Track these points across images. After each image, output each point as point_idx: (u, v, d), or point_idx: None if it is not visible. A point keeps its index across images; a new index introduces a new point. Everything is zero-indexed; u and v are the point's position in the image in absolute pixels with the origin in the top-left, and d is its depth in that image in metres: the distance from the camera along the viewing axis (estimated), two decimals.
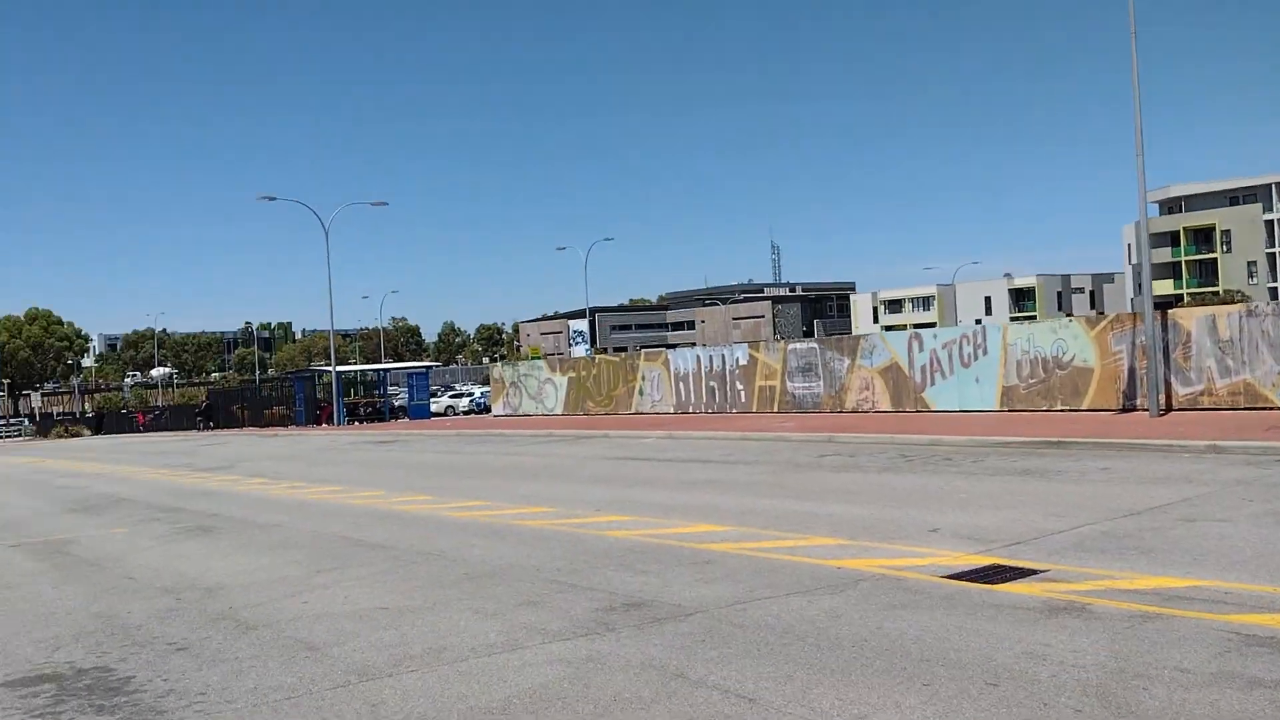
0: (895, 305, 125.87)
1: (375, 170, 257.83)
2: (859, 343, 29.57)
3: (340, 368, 49.84)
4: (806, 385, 30.09)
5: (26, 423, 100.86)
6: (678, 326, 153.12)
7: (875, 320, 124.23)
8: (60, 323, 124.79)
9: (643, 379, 35.54)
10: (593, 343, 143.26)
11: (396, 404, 54.78)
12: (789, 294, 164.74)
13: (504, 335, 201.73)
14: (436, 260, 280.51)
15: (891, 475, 15.94)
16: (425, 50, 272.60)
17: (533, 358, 51.83)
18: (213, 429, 60.65)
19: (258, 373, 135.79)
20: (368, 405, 51.45)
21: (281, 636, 8.06)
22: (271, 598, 9.67)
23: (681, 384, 33.81)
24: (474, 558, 10.97)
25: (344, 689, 6.53)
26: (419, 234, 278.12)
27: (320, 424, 49.79)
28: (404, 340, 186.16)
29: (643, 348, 73.68)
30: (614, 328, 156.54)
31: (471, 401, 63.49)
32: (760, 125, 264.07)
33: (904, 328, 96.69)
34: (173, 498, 20.04)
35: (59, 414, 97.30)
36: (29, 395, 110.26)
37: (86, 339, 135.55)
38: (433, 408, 54.42)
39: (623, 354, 40.57)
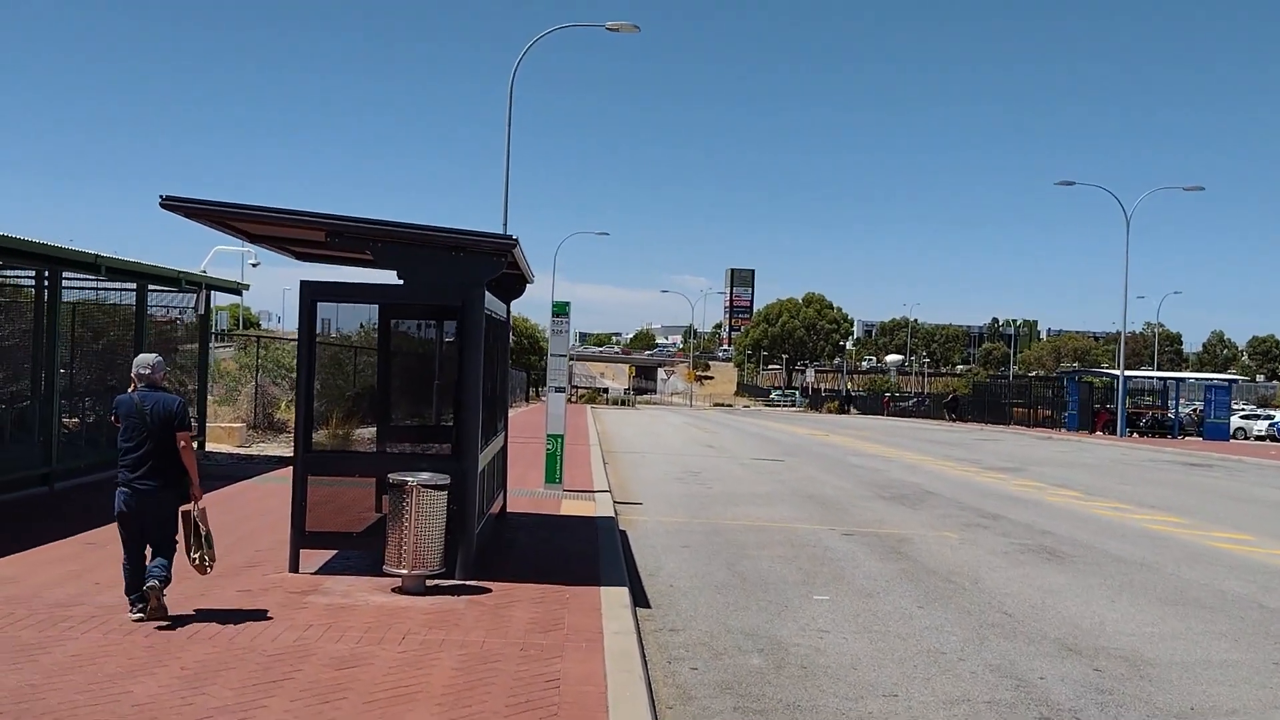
0: None
1: (1183, 156, 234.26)
2: None
3: (1129, 373, 44.73)
4: None
5: (798, 395, 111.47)
6: None
7: None
8: (830, 307, 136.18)
9: None
10: None
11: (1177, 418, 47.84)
12: None
13: None
14: (1243, 259, 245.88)
15: None
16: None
17: None
18: (955, 420, 60.50)
19: (1012, 368, 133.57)
20: (1150, 417, 45.62)
21: None
22: (1235, 697, 6.59)
23: None
24: None
25: None
26: (1224, 228, 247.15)
27: (1096, 431, 45.39)
28: (1162, 347, 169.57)
29: None
30: None
31: (1272, 425, 53.41)
32: None
33: None
34: (980, 498, 18.07)
35: (825, 390, 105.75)
36: (803, 371, 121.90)
37: (851, 323, 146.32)
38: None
39: None
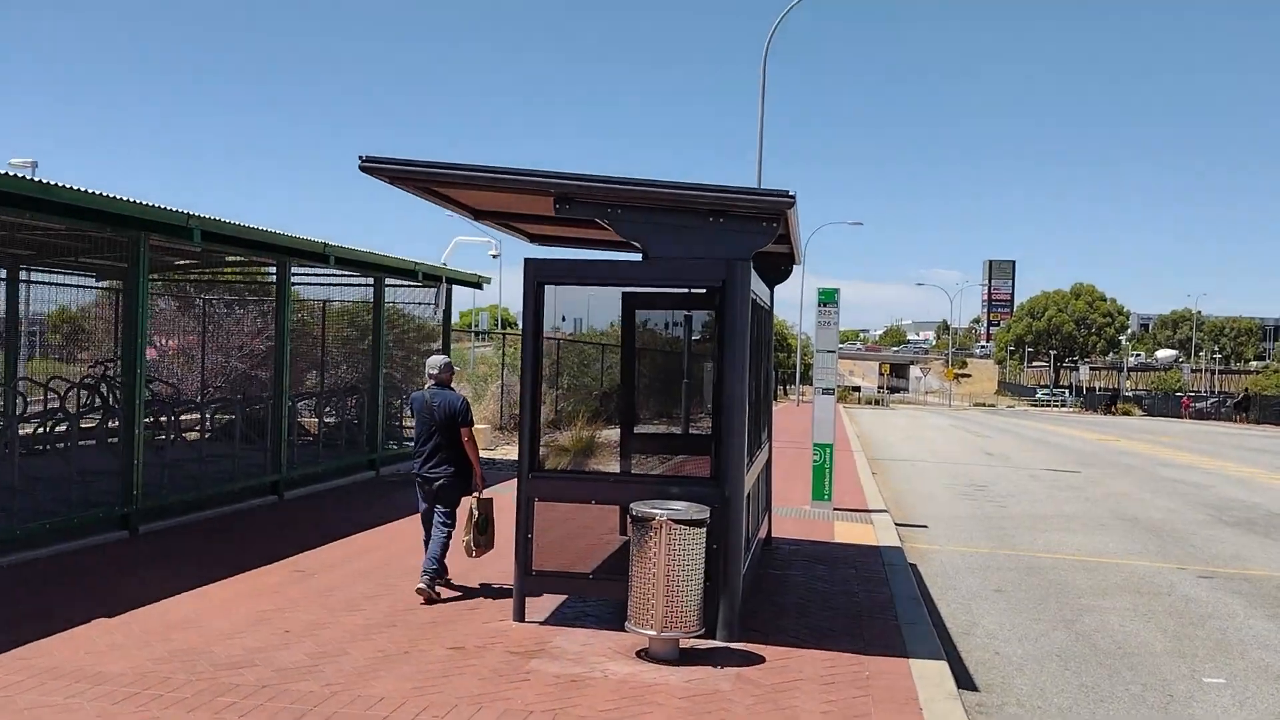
0: None
1: None
2: None
3: None
4: None
5: (1068, 394, 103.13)
6: None
7: None
8: (1104, 299, 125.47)
9: None
10: None
11: None
12: None
13: None
14: None
15: None
16: None
17: None
18: (1245, 422, 57.33)
19: None
20: None
21: None
22: None
23: None
24: None
25: None
26: None
27: None
28: None
29: None
30: None
31: None
32: None
33: None
34: None
35: (1100, 389, 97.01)
36: (1074, 368, 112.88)
37: (1126, 316, 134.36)
38: None
39: None
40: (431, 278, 14.80)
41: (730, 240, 6.68)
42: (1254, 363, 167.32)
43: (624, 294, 8.34)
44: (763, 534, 9.83)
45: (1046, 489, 18.25)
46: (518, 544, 6.82)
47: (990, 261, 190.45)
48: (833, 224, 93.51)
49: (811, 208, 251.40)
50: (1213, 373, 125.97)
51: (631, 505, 6.18)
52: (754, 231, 6.68)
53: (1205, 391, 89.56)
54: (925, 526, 13.19)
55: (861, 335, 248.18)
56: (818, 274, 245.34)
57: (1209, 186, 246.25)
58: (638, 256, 7.53)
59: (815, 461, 13.10)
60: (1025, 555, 11.30)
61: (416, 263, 14.12)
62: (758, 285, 7.95)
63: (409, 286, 15.11)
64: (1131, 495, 17.73)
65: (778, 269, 9.92)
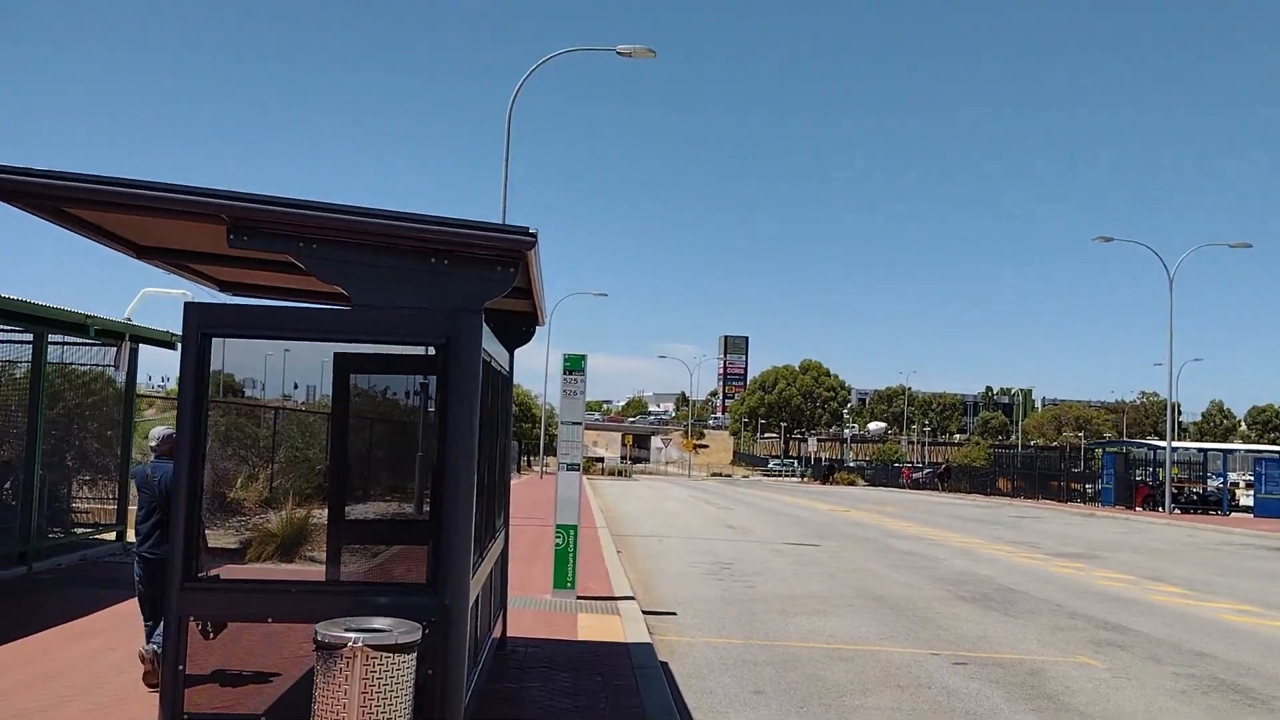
0: None
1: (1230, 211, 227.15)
2: None
3: (1180, 444, 41.46)
4: None
5: (797, 464, 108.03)
6: None
7: None
8: (828, 374, 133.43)
9: None
10: None
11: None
12: None
13: None
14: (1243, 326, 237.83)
15: None
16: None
17: None
18: (946, 490, 62.11)
19: (1020, 437, 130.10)
20: (1192, 490, 42.24)
21: None
22: None
23: None
24: None
25: None
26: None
27: (1135, 506, 42.00)
28: (1159, 418, 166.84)
29: None
30: None
31: None
32: None
33: None
34: (1077, 599, 14.74)
35: (826, 459, 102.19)
36: (804, 440, 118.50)
37: (848, 391, 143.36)
38: None
39: None
40: (110, 334, 12.54)
41: (458, 288, 5.43)
42: (958, 435, 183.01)
43: (336, 354, 6.87)
44: (497, 633, 8.49)
45: (791, 565, 17.90)
46: (164, 679, 5.13)
47: (725, 337, 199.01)
48: (578, 294, 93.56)
49: (558, 277, 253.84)
50: (924, 444, 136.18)
51: (316, 628, 4.69)
52: (487, 278, 5.46)
53: (919, 462, 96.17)
54: (674, 614, 12.22)
55: (604, 406, 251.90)
56: (563, 346, 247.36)
57: (912, 274, 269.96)
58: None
59: (558, 545, 11.88)
60: (780, 646, 10.50)
61: (89, 316, 11.87)
62: (493, 346, 6.72)
63: (82, 345, 12.75)
64: (872, 570, 17.66)
65: (519, 329, 8.74)
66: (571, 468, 12.27)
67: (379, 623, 4.81)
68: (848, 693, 8.58)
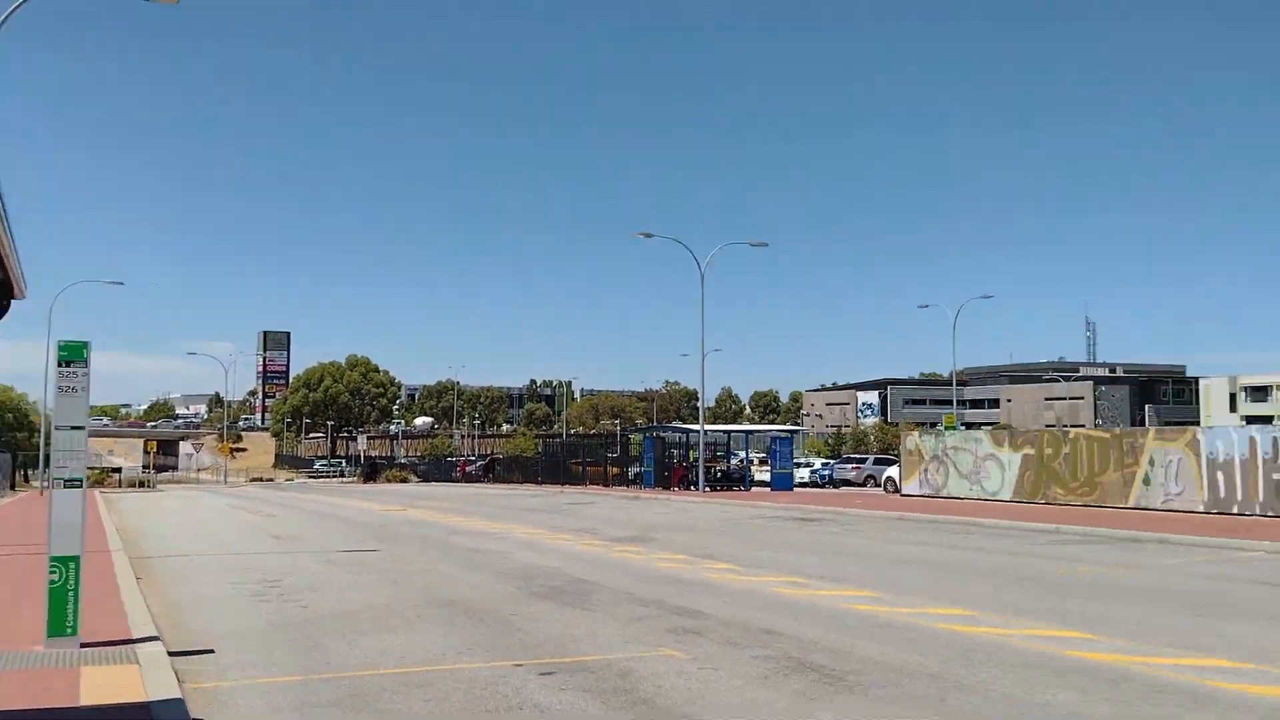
0: (1261, 392, 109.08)
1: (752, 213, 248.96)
2: None
3: (710, 428, 44.77)
4: None
5: (345, 464, 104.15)
6: (977, 404, 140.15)
7: (1233, 409, 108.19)
8: (377, 370, 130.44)
9: (1150, 464, 27.70)
10: (884, 417, 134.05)
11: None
12: (1111, 374, 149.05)
13: (780, 404, 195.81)
14: (766, 317, 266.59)
15: None
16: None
17: (947, 428, 44.71)
18: (494, 482, 64.10)
19: (564, 427, 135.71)
20: (720, 471, 46.08)
21: None
22: None
23: (1221, 474, 25.78)
24: None
25: None
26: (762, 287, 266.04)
27: (672, 488, 44.91)
28: (682, 404, 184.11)
29: (933, 425, 64.63)
30: (907, 401, 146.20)
31: (813, 473, 57.21)
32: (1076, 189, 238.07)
33: (1272, 419, 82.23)
34: (646, 585, 14.74)
35: (380, 457, 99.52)
36: (353, 439, 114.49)
37: (399, 387, 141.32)
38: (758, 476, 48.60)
39: (1116, 430, 32.74)
40: None
41: None
42: (505, 426, 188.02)
43: None
44: None
45: (350, 575, 16.23)
46: None
47: (265, 333, 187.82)
48: (88, 281, 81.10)
49: (57, 257, 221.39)
50: (474, 437, 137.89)
51: None
52: None
53: (472, 455, 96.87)
54: (212, 651, 10.19)
55: (124, 410, 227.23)
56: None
57: (455, 271, 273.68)
58: None
59: (53, 583, 9.37)
60: (347, 679, 8.99)
61: None
62: None
63: None
64: (438, 571, 16.53)
65: None
66: (72, 484, 9.77)
67: None
68: None
